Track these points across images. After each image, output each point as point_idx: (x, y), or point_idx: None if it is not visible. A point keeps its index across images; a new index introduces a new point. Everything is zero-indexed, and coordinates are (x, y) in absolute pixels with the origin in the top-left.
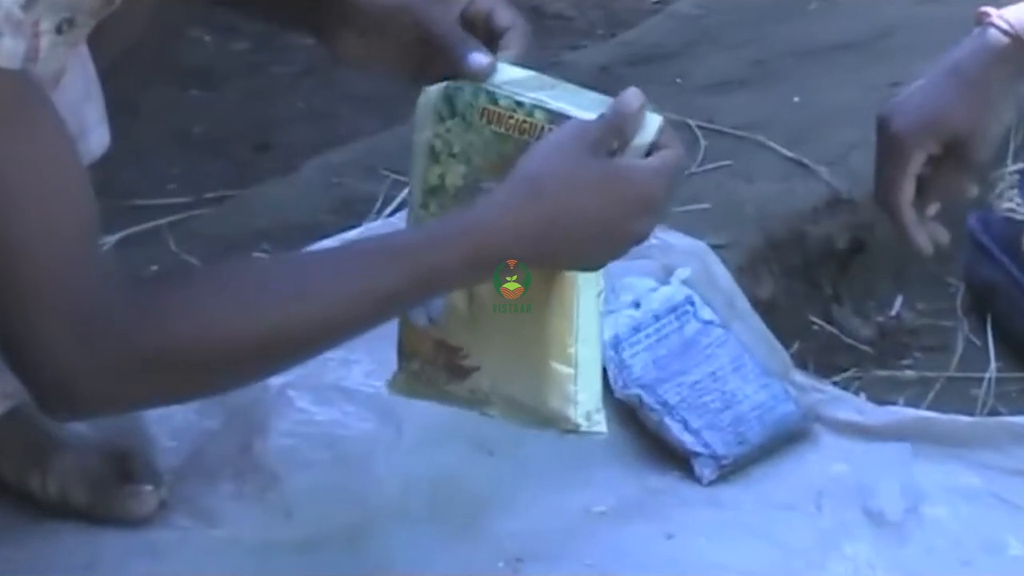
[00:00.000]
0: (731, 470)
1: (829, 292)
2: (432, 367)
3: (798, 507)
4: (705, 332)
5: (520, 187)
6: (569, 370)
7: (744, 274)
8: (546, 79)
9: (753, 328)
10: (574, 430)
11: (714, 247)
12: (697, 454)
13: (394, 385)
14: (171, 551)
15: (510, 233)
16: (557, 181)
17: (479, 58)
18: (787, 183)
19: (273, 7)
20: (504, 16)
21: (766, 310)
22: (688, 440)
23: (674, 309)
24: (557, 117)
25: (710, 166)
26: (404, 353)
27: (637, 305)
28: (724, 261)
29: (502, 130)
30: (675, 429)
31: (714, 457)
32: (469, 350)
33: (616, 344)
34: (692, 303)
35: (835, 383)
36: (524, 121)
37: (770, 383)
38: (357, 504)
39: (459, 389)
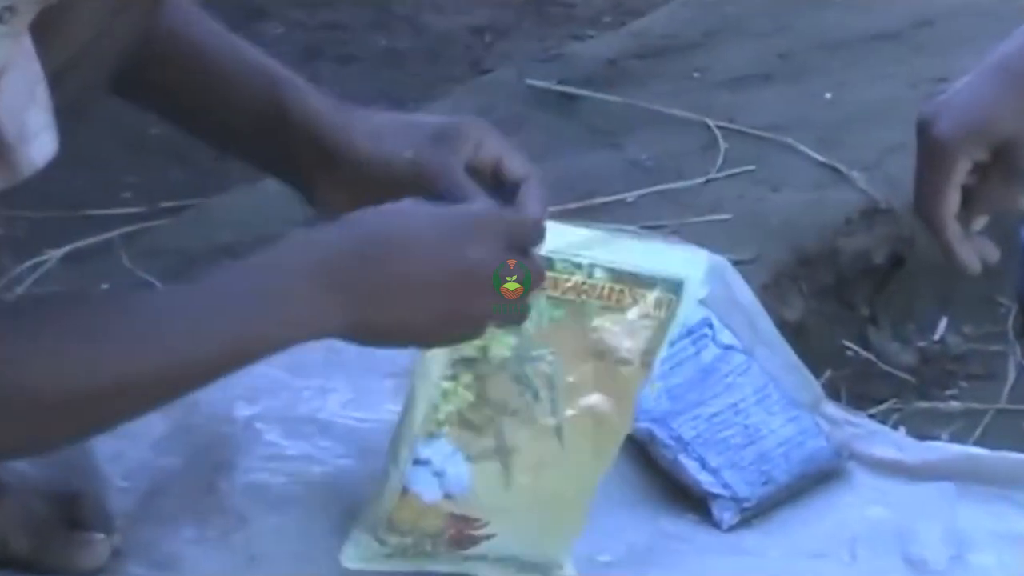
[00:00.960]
0: (754, 514)
1: (865, 313)
2: (432, 540)
3: (830, 555)
4: (725, 358)
5: (345, 245)
6: (581, 527)
7: (769, 293)
8: (599, 234)
9: (779, 354)
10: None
11: (735, 263)
12: (716, 496)
13: (361, 558)
14: None
15: (340, 296)
16: (387, 235)
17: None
18: (818, 191)
19: (243, 147)
20: (514, 166)
21: (794, 334)
22: (706, 480)
23: (690, 333)
24: (622, 276)
25: (731, 171)
26: (392, 528)
27: None
28: (746, 278)
29: (558, 294)
30: (691, 468)
31: (735, 499)
32: (489, 519)
33: None
34: (710, 326)
35: (872, 416)
36: (583, 283)
37: (799, 416)
38: (331, 550)
39: (452, 557)
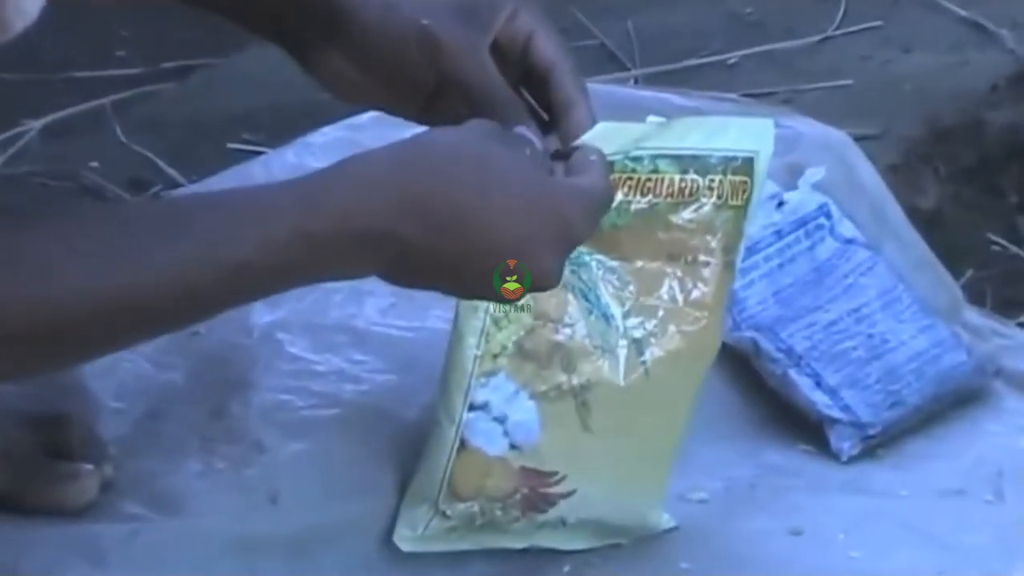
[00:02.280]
0: (879, 443)
1: (1014, 201)
2: (502, 504)
3: (971, 494)
4: (845, 254)
5: (417, 151)
6: (669, 468)
7: (899, 176)
8: (652, 124)
9: (911, 249)
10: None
11: (858, 139)
12: (834, 421)
13: (420, 539)
14: (118, 550)
15: (395, 196)
16: (468, 158)
17: (581, 122)
18: (958, 52)
19: (234, 5)
20: (547, 49)
21: (929, 225)
22: (821, 401)
23: (803, 223)
24: (687, 162)
25: (853, 28)
26: (453, 494)
27: (753, 217)
28: (872, 158)
29: (620, 197)
30: (803, 386)
31: (857, 425)
32: (566, 471)
33: None
34: (828, 215)
35: (1022, 325)
36: (648, 179)
37: (934, 324)
38: (371, 486)
39: (526, 528)
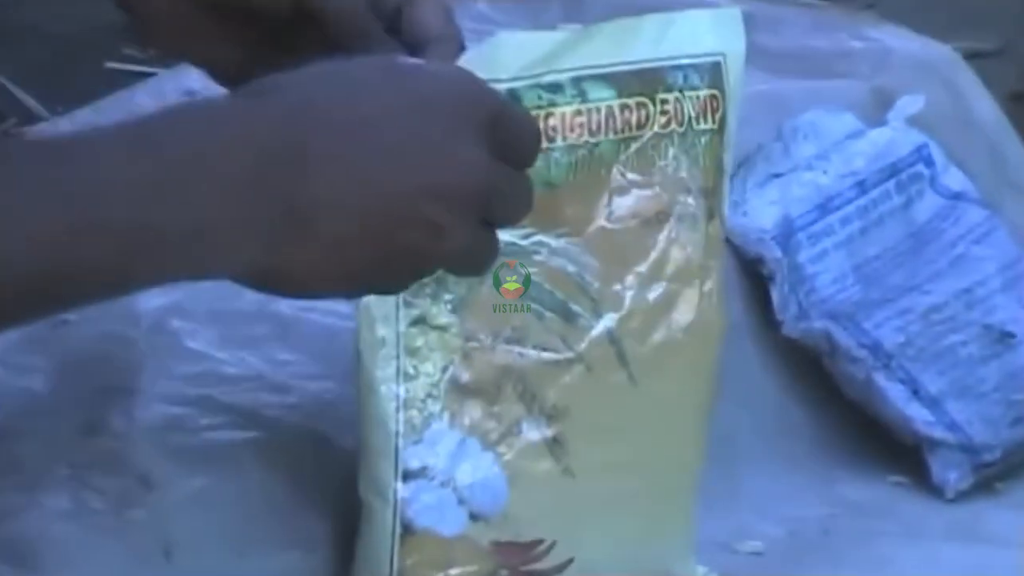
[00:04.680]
0: (999, 473)
1: None
2: None
3: None
4: (952, 214)
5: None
6: (690, 516)
7: (1023, 107)
8: (564, 36)
9: None
10: None
11: (969, 56)
12: (936, 443)
13: None
14: None
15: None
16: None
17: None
18: None
19: None
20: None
21: None
22: (919, 417)
23: (894, 172)
24: (631, 80)
25: None
26: None
27: (826, 162)
28: (988, 82)
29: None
30: (895, 396)
31: (968, 449)
32: (556, 536)
33: (785, 235)
34: (928, 160)
35: None
36: (576, 113)
37: None
38: (298, 538)
39: None
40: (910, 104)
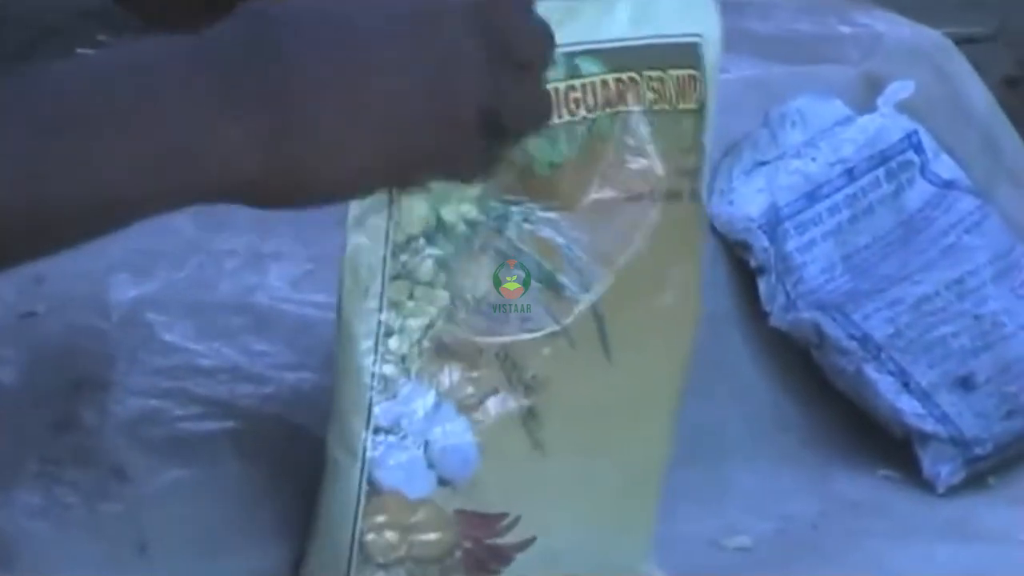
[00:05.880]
0: (992, 467)
1: None
2: (438, 567)
3: None
4: (943, 203)
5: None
6: (653, 510)
7: (1019, 93)
8: (549, 9)
9: None
10: None
11: (961, 42)
12: (927, 436)
13: None
14: None
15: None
16: None
17: None
18: None
19: None
20: None
21: None
22: (910, 409)
23: (884, 159)
24: (618, 56)
25: None
26: (366, 559)
27: (814, 150)
28: (981, 67)
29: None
30: (885, 388)
31: (959, 442)
32: (520, 511)
33: (772, 225)
34: (919, 148)
35: None
36: (571, 88)
37: None
38: (274, 531)
39: None
40: (900, 90)
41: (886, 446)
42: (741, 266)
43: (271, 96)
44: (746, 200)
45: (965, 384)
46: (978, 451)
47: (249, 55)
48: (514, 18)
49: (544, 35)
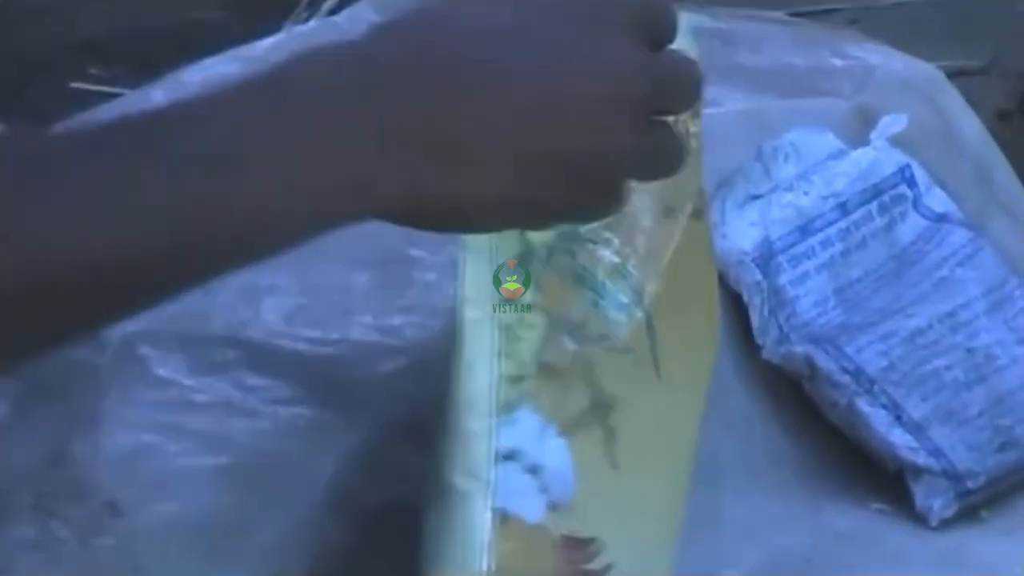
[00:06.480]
0: (984, 500)
1: None
2: None
3: None
4: (936, 236)
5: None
6: (677, 525)
7: (1012, 126)
8: None
9: None
10: None
11: (953, 75)
12: (920, 470)
13: None
14: None
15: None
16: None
17: None
18: None
19: None
20: None
21: None
22: (902, 442)
23: (877, 193)
24: None
25: None
26: None
27: (807, 183)
28: (973, 99)
29: None
30: (878, 422)
31: (952, 475)
32: (604, 534)
33: (765, 258)
34: (911, 181)
35: None
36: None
37: None
38: (272, 571)
39: None
40: (893, 123)
41: (879, 479)
42: (734, 299)
43: (423, 126)
44: (739, 233)
45: (958, 417)
46: (971, 484)
47: (403, 86)
48: (657, 5)
49: (693, 84)
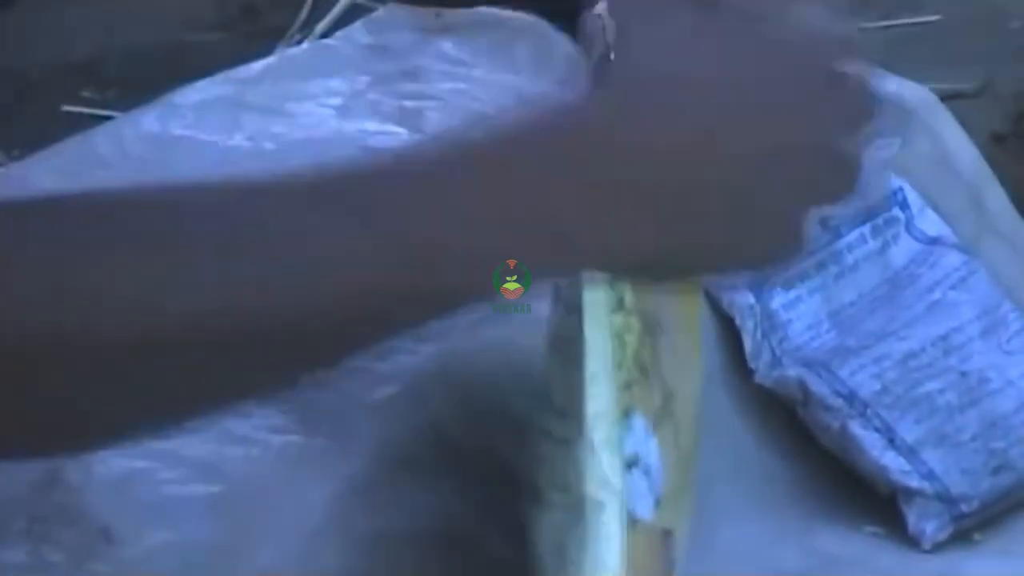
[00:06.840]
0: (978, 523)
1: None
2: None
3: None
4: (929, 259)
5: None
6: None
7: (1005, 149)
8: None
9: (1022, 252)
10: None
11: (947, 97)
12: (913, 493)
13: None
14: None
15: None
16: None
17: None
18: None
19: None
20: None
21: None
22: (895, 466)
23: (870, 216)
24: None
25: None
26: None
27: None
28: (967, 123)
29: None
30: (871, 445)
31: (945, 499)
32: (677, 525)
33: (758, 282)
34: (904, 204)
35: None
36: None
37: None
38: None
39: None
40: (885, 147)
41: (872, 502)
42: (726, 323)
43: (628, 187)
44: None
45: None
46: (964, 508)
47: (608, 144)
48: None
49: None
